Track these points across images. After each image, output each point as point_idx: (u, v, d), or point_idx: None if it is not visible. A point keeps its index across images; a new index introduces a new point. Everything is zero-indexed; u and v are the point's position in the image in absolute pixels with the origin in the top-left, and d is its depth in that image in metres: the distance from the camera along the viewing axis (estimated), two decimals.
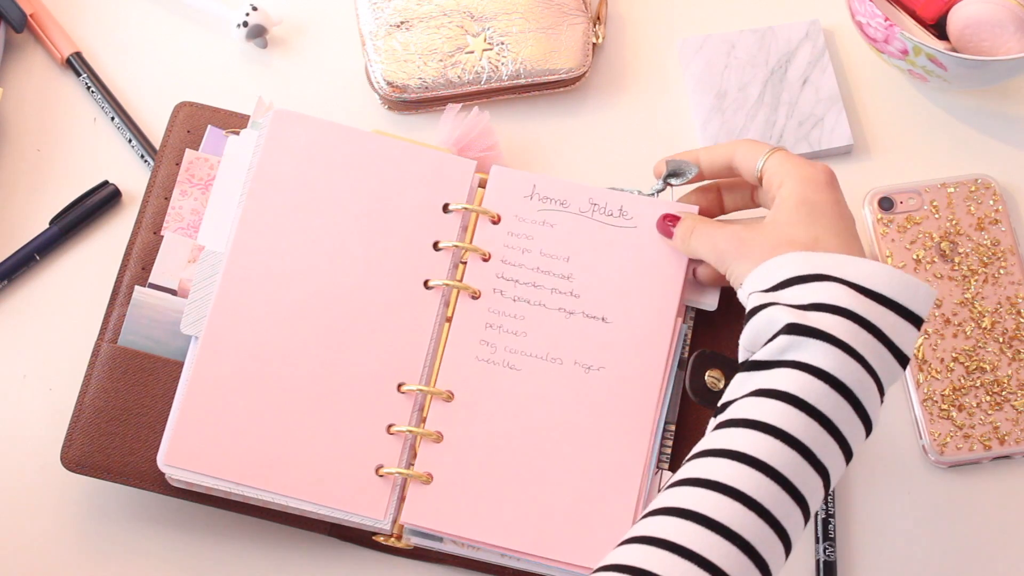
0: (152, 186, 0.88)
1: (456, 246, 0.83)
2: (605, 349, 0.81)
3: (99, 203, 0.90)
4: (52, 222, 0.89)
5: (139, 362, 0.82)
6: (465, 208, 0.84)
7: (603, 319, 0.82)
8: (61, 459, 0.80)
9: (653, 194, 0.85)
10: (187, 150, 0.88)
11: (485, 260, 0.83)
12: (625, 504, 0.79)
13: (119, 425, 0.80)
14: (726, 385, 0.78)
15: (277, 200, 0.83)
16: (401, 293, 0.82)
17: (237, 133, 0.87)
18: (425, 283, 0.82)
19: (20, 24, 0.94)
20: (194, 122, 0.89)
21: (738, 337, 0.85)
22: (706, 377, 0.78)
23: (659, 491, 0.80)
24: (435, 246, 0.83)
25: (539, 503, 0.79)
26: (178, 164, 0.88)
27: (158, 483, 0.80)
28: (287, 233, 0.83)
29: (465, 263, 0.84)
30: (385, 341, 0.81)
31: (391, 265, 0.83)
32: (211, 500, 0.80)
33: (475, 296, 0.83)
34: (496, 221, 0.84)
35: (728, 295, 0.86)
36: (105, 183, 0.90)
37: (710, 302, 0.84)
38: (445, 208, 0.84)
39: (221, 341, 0.80)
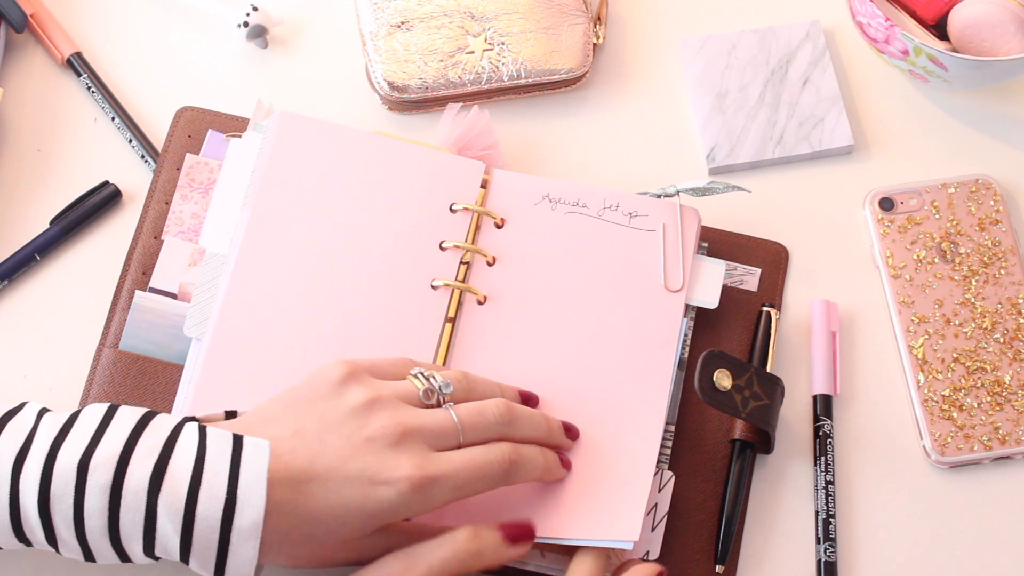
0: (153, 191, 0.88)
1: (457, 246, 0.83)
2: (613, 349, 0.82)
3: (99, 203, 0.90)
4: (52, 222, 0.89)
5: (140, 366, 0.83)
6: (472, 209, 0.84)
7: (610, 321, 0.82)
8: None
9: (659, 196, 0.85)
10: (188, 154, 0.88)
11: (490, 264, 0.84)
12: (639, 496, 0.78)
13: None
14: (733, 384, 0.79)
15: (284, 202, 0.83)
16: (407, 293, 0.82)
17: (239, 136, 0.87)
18: (431, 284, 0.83)
19: (20, 24, 0.94)
20: (195, 127, 0.89)
21: (738, 337, 0.85)
22: (714, 376, 0.78)
23: (659, 490, 0.80)
24: (441, 247, 0.83)
25: (555, 495, 0.78)
26: (179, 169, 0.88)
27: None
28: (295, 234, 0.83)
29: (467, 263, 0.84)
30: (391, 341, 0.81)
31: (397, 265, 0.83)
32: None
33: (481, 302, 0.83)
34: (500, 225, 0.84)
35: (728, 294, 0.86)
36: (105, 183, 0.90)
37: (711, 300, 0.84)
38: (451, 209, 0.84)
39: (229, 342, 0.80)
